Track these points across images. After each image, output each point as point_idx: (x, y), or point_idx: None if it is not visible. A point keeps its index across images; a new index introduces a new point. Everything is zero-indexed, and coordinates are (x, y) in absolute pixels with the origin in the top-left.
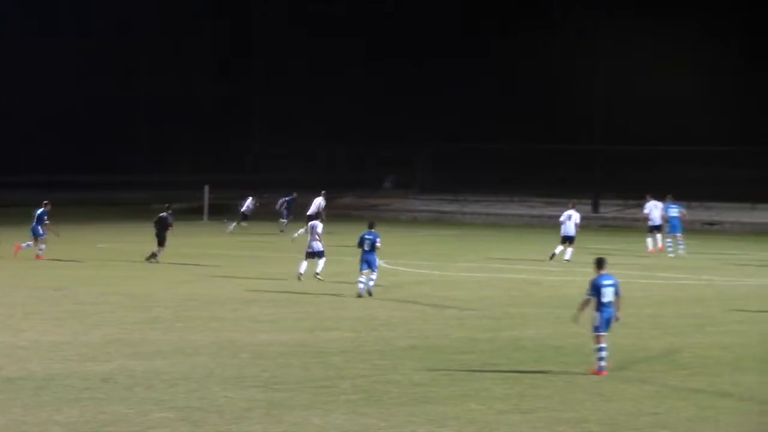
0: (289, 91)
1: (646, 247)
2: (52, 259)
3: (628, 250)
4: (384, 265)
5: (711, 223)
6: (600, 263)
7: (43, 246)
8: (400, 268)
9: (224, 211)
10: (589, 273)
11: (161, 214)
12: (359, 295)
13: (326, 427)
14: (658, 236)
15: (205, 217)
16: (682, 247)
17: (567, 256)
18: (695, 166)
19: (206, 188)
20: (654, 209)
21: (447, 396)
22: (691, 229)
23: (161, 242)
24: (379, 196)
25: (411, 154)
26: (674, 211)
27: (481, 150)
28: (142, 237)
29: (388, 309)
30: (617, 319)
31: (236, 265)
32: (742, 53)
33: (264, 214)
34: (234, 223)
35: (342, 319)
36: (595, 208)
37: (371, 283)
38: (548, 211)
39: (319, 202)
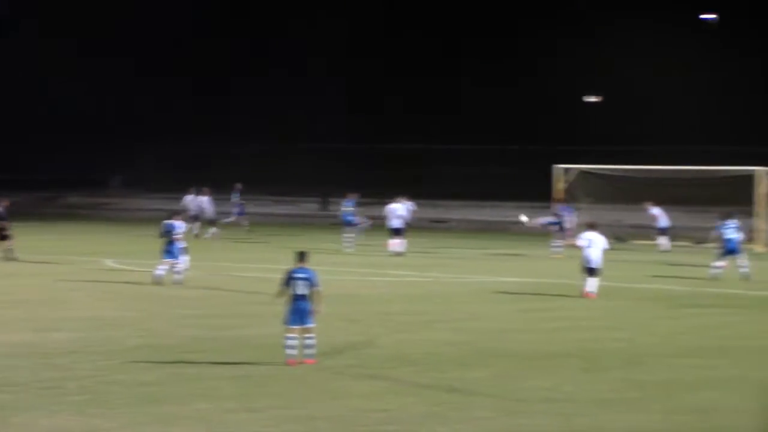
0: None
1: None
2: None
3: (363, 247)
4: (113, 264)
5: (439, 221)
6: (299, 256)
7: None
8: (127, 268)
9: None
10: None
11: None
12: (157, 283)
13: (53, 428)
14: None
15: None
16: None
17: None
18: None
19: None
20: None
21: (175, 395)
22: (419, 226)
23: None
24: (107, 195)
25: (138, 153)
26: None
27: (212, 148)
28: None
29: (116, 309)
30: (317, 312)
31: None
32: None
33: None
34: (214, 229)
35: (69, 319)
36: (324, 206)
37: (178, 276)
38: (279, 209)
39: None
